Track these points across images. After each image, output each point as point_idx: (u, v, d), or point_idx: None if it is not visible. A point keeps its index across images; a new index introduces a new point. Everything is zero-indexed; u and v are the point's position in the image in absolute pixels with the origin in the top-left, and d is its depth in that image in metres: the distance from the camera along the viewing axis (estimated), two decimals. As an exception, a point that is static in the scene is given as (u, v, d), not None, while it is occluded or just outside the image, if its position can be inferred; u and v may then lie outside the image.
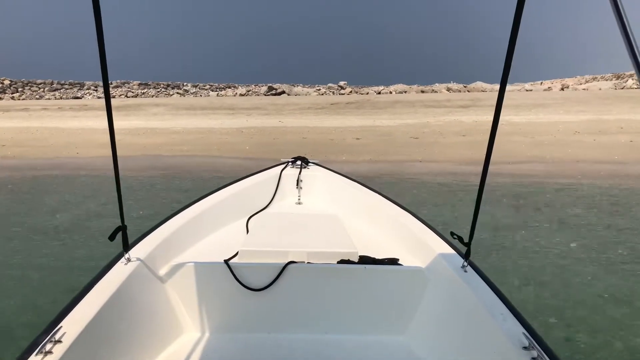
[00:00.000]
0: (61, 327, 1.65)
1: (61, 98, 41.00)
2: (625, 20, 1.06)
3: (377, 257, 2.60)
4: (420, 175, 11.76)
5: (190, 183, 10.94)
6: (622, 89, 36.70)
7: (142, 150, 15.29)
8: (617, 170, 11.73)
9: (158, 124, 21.41)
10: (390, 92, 38.82)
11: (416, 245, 2.71)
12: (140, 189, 10.11)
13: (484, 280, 2.12)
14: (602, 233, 6.70)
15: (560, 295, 4.58)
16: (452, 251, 2.46)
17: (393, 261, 2.57)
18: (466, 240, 2.16)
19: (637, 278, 5.01)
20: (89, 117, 24.26)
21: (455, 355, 2.03)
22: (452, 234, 2.29)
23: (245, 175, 3.97)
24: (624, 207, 8.26)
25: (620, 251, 5.88)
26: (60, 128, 20.92)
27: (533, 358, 1.58)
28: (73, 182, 11.37)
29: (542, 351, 1.57)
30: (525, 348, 1.63)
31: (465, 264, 2.25)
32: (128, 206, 8.41)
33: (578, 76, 47.83)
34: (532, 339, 1.64)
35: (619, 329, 3.92)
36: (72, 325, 1.68)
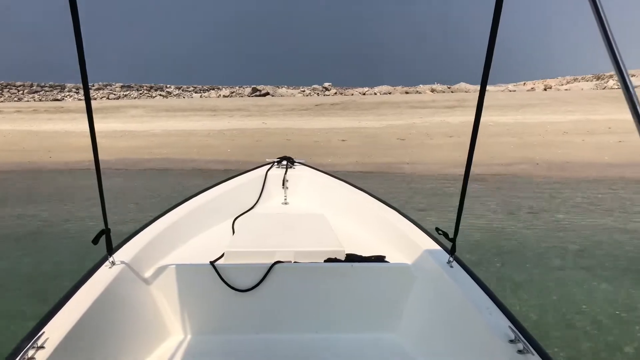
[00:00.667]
0: (44, 332, 1.62)
1: (41, 100, 39.88)
2: (604, 20, 1.05)
3: (364, 255, 2.58)
4: (410, 178, 11.37)
5: (168, 188, 10.40)
6: (604, 89, 36.91)
7: (119, 154, 14.68)
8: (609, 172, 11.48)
9: (136, 127, 20.74)
10: (375, 94, 38.53)
11: (402, 242, 2.71)
12: (113, 196, 9.52)
13: (470, 275, 2.14)
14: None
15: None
16: (437, 247, 2.48)
17: (380, 258, 2.55)
18: (451, 236, 2.17)
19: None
20: (65, 120, 23.45)
21: (444, 349, 2.05)
22: (437, 229, 2.31)
23: (230, 176, 3.90)
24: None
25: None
26: (33, 131, 20.14)
27: (519, 351, 1.59)
28: (45, 187, 10.79)
29: (527, 344, 1.59)
30: (511, 341, 1.65)
31: (451, 259, 2.27)
32: (97, 217, 7.83)
33: (559, 77, 48.10)
34: (518, 332, 1.66)
35: None
36: (55, 331, 1.64)
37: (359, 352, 2.23)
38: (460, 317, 2.01)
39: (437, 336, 2.14)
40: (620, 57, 1.02)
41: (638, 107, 1.00)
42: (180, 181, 11.31)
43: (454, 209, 2.20)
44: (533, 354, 1.55)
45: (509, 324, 1.74)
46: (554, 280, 4.88)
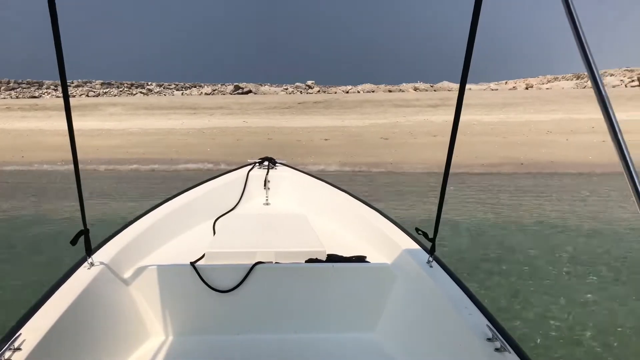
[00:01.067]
0: (20, 334, 1.60)
1: (17, 97, 38.80)
2: (577, 22, 1.08)
3: (344, 255, 2.58)
4: (393, 179, 11.12)
5: (140, 191, 9.98)
6: (584, 88, 37.17)
7: (95, 153, 14.17)
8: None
9: (114, 125, 20.18)
10: (359, 92, 38.29)
11: (383, 242, 2.71)
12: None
13: (449, 275, 2.16)
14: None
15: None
16: (417, 247, 2.49)
17: (360, 259, 2.55)
18: (431, 236, 2.19)
19: None
20: (39, 118, 22.75)
21: (423, 348, 2.07)
22: (417, 229, 2.31)
23: (211, 176, 3.87)
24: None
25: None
26: (5, 130, 19.45)
27: (496, 349, 1.62)
28: (15, 188, 10.34)
29: (504, 342, 1.62)
30: (489, 339, 1.67)
31: (431, 259, 2.28)
32: (61, 232, 7.42)
33: (540, 76, 48.45)
34: (495, 331, 1.69)
35: None
36: (32, 332, 1.62)
37: (340, 352, 2.24)
38: (439, 316, 2.03)
39: (416, 335, 2.16)
40: (591, 57, 1.04)
41: (609, 107, 1.02)
42: (154, 183, 10.91)
43: (435, 209, 2.15)
44: (510, 352, 1.58)
45: (487, 322, 1.76)
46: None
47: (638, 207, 1.00)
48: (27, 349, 1.54)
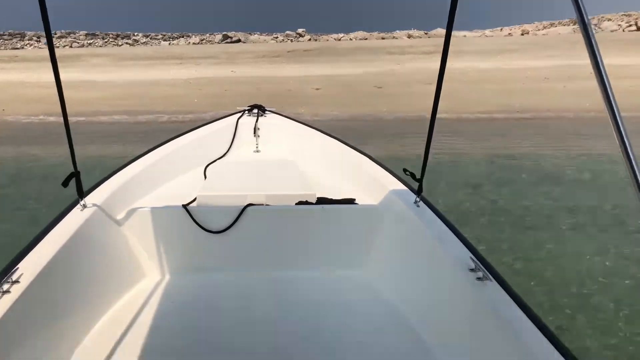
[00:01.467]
0: (18, 268, 1.64)
1: (-1, 49, 37.44)
2: None
3: (334, 198, 2.61)
4: (387, 129, 10.83)
5: (125, 144, 9.64)
6: (582, 34, 36.27)
7: (78, 106, 13.64)
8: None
9: (98, 77, 19.46)
10: (351, 39, 37.24)
11: (372, 185, 2.76)
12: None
13: (435, 213, 2.23)
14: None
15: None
16: (405, 188, 2.55)
17: (349, 201, 2.59)
18: (419, 176, 2.24)
19: None
20: (19, 70, 21.93)
21: (409, 282, 2.16)
22: (404, 170, 2.38)
23: (201, 124, 3.91)
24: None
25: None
26: (-16, 83, 18.71)
27: (478, 278, 1.69)
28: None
29: (486, 271, 1.69)
30: (471, 270, 1.74)
31: (418, 199, 2.33)
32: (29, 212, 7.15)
33: (536, 22, 47.29)
34: (477, 262, 1.75)
35: None
36: (29, 268, 1.66)
37: (329, 288, 2.32)
38: (424, 252, 2.10)
39: (402, 270, 2.25)
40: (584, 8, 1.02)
41: (598, 56, 1.00)
42: (139, 136, 10.54)
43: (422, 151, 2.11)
44: (491, 280, 1.66)
45: (470, 255, 1.83)
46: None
47: (622, 152, 1.01)
48: (25, 282, 1.59)
